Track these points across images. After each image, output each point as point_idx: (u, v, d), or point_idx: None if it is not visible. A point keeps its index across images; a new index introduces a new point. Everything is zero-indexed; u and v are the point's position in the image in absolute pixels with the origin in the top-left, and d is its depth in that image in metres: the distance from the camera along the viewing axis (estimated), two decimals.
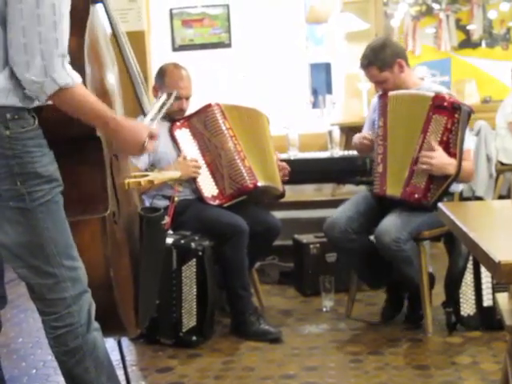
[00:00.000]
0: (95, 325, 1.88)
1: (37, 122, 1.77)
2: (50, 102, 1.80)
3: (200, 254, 3.07)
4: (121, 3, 4.74)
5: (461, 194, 3.60)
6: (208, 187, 3.34)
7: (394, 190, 3.11)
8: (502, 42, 6.50)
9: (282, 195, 3.57)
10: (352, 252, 3.21)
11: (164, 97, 2.30)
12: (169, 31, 5.86)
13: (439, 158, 2.95)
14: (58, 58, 1.67)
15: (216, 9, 5.85)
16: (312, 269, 3.87)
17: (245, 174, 3.32)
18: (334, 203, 4.05)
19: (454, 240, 3.16)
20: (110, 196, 2.01)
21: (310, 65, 6.20)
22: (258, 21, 5.81)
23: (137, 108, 2.31)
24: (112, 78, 2.14)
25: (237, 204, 3.33)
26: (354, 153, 3.73)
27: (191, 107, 3.44)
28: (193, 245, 3.09)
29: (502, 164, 5.46)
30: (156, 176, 2.36)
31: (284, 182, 3.52)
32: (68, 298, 1.81)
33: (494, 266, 1.23)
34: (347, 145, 5.04)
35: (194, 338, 3.09)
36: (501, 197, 5.40)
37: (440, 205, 1.95)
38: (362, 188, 3.79)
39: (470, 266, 3.09)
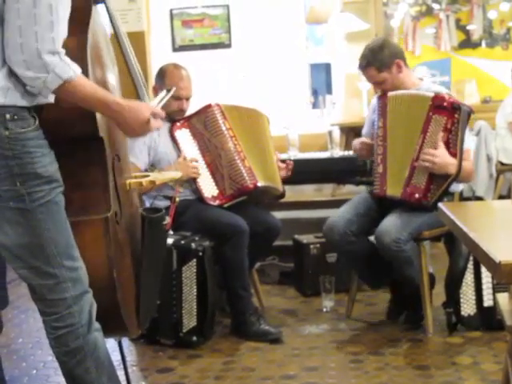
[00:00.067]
0: (96, 325, 1.88)
1: (37, 122, 1.77)
2: (51, 101, 1.80)
3: (200, 254, 3.07)
4: (121, 4, 4.74)
5: (461, 194, 3.61)
6: (208, 187, 3.34)
7: (394, 190, 3.12)
8: (502, 42, 6.51)
9: (282, 195, 3.57)
10: (352, 254, 3.22)
11: (163, 93, 2.31)
12: (169, 31, 5.86)
13: (442, 157, 2.95)
14: (55, 55, 1.69)
15: (216, 9, 5.85)
16: (312, 269, 3.87)
17: (245, 175, 3.32)
18: (334, 203, 4.06)
19: (454, 240, 3.16)
20: (112, 196, 2.01)
21: (310, 65, 6.20)
22: (258, 21, 5.81)
23: None
24: (113, 79, 2.15)
25: (237, 204, 3.33)
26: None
27: (191, 107, 3.44)
28: (193, 245, 3.09)
29: (502, 164, 5.46)
30: (157, 176, 2.36)
31: (284, 182, 3.52)
32: (69, 298, 1.81)
33: (494, 266, 1.23)
34: (347, 145, 5.04)
35: (195, 338, 3.09)
36: (501, 197, 5.41)
37: (440, 205, 1.96)
38: (362, 188, 3.80)
39: (470, 266, 3.10)
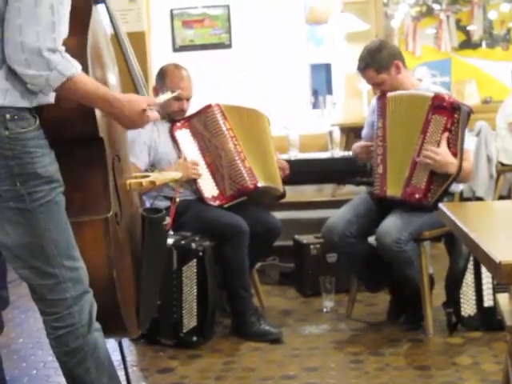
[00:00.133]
0: (96, 325, 1.88)
1: (38, 122, 1.77)
2: (51, 102, 1.80)
3: (200, 254, 3.07)
4: (121, 4, 4.74)
5: (461, 194, 3.61)
6: (208, 188, 3.34)
7: (394, 190, 3.12)
8: (503, 43, 6.51)
9: (283, 196, 3.57)
10: (351, 256, 3.22)
11: (168, 94, 2.34)
12: (169, 32, 5.87)
13: (443, 155, 2.95)
14: (56, 52, 1.68)
15: (216, 9, 5.85)
16: (312, 269, 3.87)
17: (245, 175, 3.32)
18: (334, 204, 4.06)
19: (454, 240, 3.16)
20: (113, 197, 2.01)
21: (311, 65, 6.19)
22: (259, 21, 5.81)
23: None
24: (113, 79, 2.15)
25: (237, 204, 3.33)
26: None
27: (192, 108, 3.44)
28: (193, 245, 3.09)
29: (503, 165, 5.46)
30: (157, 177, 2.36)
31: (284, 183, 3.52)
32: (69, 298, 1.81)
33: (494, 267, 1.23)
34: (347, 145, 5.04)
35: (195, 338, 3.09)
36: (501, 197, 5.41)
37: (441, 205, 1.96)
38: (363, 189, 3.80)
39: (470, 266, 3.10)
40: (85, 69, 1.83)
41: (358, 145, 3.39)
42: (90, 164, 1.99)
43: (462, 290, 3.10)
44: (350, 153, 4.24)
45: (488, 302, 3.08)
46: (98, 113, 1.93)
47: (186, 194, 3.32)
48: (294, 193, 4.51)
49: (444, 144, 2.96)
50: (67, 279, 1.80)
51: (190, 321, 3.09)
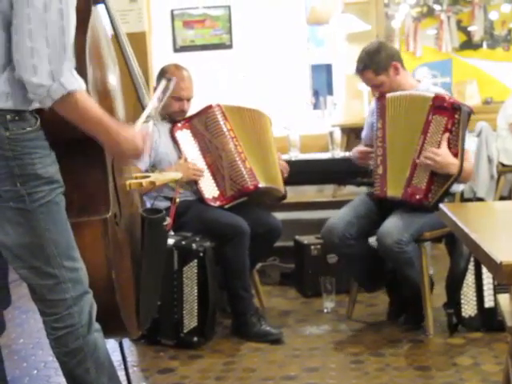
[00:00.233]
0: (96, 326, 1.88)
1: (39, 123, 1.77)
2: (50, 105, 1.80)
3: (201, 254, 3.07)
4: (121, 4, 4.74)
5: (462, 195, 3.61)
6: (209, 188, 3.34)
7: (394, 191, 3.11)
8: (503, 44, 6.50)
9: (284, 197, 3.57)
10: (350, 257, 3.22)
11: (163, 83, 2.30)
12: (170, 32, 5.87)
13: (444, 156, 2.95)
14: (65, 62, 1.67)
15: (217, 10, 5.85)
16: (313, 270, 3.87)
17: (245, 176, 3.32)
18: (335, 204, 4.06)
19: (455, 241, 3.16)
20: (112, 197, 2.01)
21: (311, 66, 6.20)
22: (259, 22, 5.82)
23: (137, 112, 2.31)
24: (113, 79, 2.15)
25: (238, 205, 3.33)
26: None
27: (192, 108, 3.44)
28: (194, 246, 3.09)
29: (503, 165, 5.46)
30: (157, 177, 2.36)
31: (285, 183, 3.52)
32: (69, 299, 1.81)
33: (495, 267, 1.23)
34: (348, 146, 5.05)
35: (195, 338, 3.09)
36: (502, 198, 5.41)
37: (441, 206, 1.95)
38: (363, 189, 3.80)
39: (471, 267, 3.09)
40: (83, 70, 1.82)
41: (357, 149, 3.39)
42: (90, 165, 1.99)
43: (462, 290, 3.10)
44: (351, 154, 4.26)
45: (489, 302, 3.08)
46: None
47: (187, 194, 3.32)
48: (294, 193, 4.51)
49: (444, 144, 2.96)
50: (67, 280, 1.80)
51: (190, 321, 3.09)
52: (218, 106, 3.41)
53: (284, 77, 5.83)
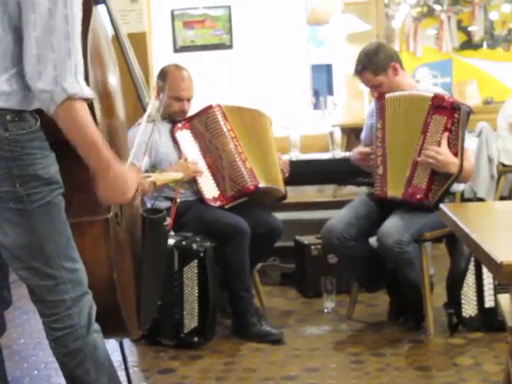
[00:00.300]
0: (95, 326, 1.88)
1: (39, 124, 1.77)
2: None
3: (201, 255, 3.08)
4: (122, 4, 4.73)
5: (462, 195, 3.61)
6: (209, 189, 3.34)
7: (394, 191, 3.12)
8: (504, 44, 6.50)
9: (284, 197, 3.57)
10: (350, 258, 3.21)
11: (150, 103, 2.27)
12: (170, 32, 5.87)
13: (445, 155, 2.95)
14: (70, 68, 1.65)
15: (217, 10, 5.86)
16: (313, 270, 3.87)
17: (246, 176, 3.32)
18: (335, 204, 4.06)
19: (455, 241, 3.16)
20: None
21: (311, 66, 6.20)
22: (260, 22, 5.82)
23: (137, 112, 2.31)
24: (114, 80, 2.15)
25: (239, 205, 3.33)
26: None
27: (193, 108, 3.44)
28: (194, 246, 3.09)
29: (504, 165, 5.46)
30: (158, 177, 2.36)
31: (285, 183, 3.52)
32: (68, 299, 1.81)
33: (495, 267, 1.23)
34: (349, 146, 5.05)
35: (196, 339, 3.09)
36: (502, 198, 5.41)
37: (442, 206, 1.96)
38: (364, 189, 3.80)
39: (471, 267, 3.09)
40: (84, 70, 1.82)
41: (357, 150, 3.39)
42: None
43: (463, 290, 3.10)
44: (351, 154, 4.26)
45: (489, 302, 3.08)
46: (97, 114, 1.92)
47: (187, 194, 3.32)
48: (295, 193, 4.51)
49: (444, 144, 2.97)
50: (66, 280, 1.80)
51: (190, 321, 3.09)
52: (219, 106, 3.41)
53: (284, 77, 5.83)
